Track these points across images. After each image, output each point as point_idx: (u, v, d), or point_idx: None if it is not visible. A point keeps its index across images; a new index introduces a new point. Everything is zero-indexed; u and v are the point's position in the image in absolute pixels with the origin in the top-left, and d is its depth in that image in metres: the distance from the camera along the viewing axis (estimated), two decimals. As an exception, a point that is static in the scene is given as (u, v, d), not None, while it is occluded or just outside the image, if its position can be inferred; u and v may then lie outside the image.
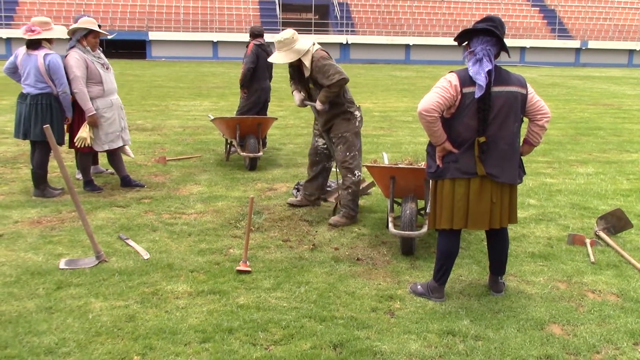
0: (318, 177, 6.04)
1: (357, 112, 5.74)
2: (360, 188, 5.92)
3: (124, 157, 6.86)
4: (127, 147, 6.75)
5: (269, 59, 5.75)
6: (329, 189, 6.44)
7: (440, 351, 3.41)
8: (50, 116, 6.11)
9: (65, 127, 6.40)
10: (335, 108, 5.61)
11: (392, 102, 16.37)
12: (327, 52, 5.61)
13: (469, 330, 3.63)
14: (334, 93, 5.48)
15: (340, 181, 5.80)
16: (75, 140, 6.25)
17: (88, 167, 6.57)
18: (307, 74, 5.57)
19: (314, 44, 5.57)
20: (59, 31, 6.25)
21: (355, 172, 5.66)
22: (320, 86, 5.54)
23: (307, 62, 5.48)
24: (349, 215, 5.64)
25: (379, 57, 39.41)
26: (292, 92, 5.91)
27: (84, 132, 6.19)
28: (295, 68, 5.73)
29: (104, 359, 3.25)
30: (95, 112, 6.16)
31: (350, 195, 5.65)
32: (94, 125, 6.21)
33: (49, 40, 6.21)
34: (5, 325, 3.58)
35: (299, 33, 5.68)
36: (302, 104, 5.81)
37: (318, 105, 5.55)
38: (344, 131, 5.63)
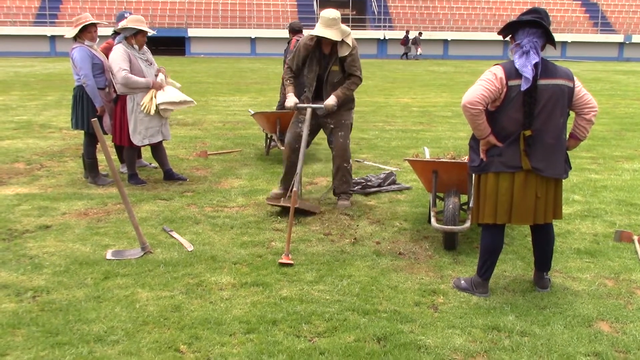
0: (296, 166, 5.76)
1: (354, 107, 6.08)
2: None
3: (168, 151, 6.95)
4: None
5: (316, 32, 5.51)
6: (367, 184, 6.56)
7: (485, 346, 3.38)
8: (82, 107, 6.43)
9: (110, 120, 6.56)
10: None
11: (430, 97, 16.25)
12: None
13: (515, 326, 3.59)
14: (351, 92, 5.77)
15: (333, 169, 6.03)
16: (140, 105, 6.36)
17: (133, 161, 6.70)
18: (344, 53, 5.61)
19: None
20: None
21: (350, 160, 6.00)
22: (343, 70, 5.67)
23: (349, 41, 5.58)
24: (349, 198, 6.01)
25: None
26: (287, 93, 5.86)
27: (147, 97, 6.35)
28: (319, 49, 5.73)
29: (151, 347, 3.31)
30: (153, 79, 6.37)
31: (345, 184, 5.97)
32: (159, 88, 6.38)
33: (85, 36, 6.38)
34: (56, 313, 3.67)
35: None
36: (295, 108, 5.74)
37: (331, 101, 5.61)
38: (346, 119, 5.90)
